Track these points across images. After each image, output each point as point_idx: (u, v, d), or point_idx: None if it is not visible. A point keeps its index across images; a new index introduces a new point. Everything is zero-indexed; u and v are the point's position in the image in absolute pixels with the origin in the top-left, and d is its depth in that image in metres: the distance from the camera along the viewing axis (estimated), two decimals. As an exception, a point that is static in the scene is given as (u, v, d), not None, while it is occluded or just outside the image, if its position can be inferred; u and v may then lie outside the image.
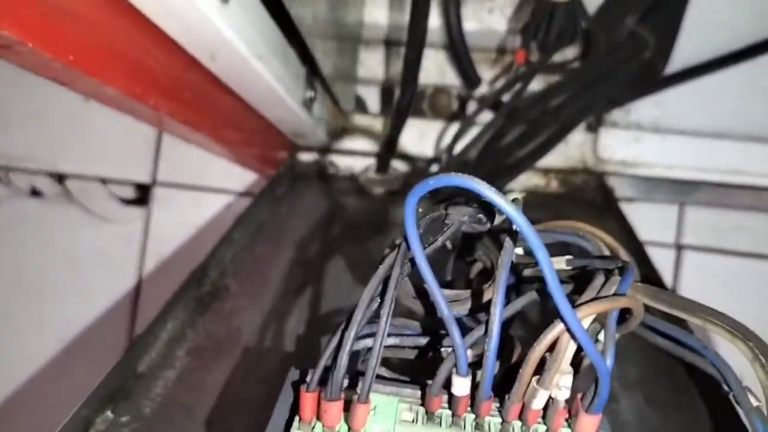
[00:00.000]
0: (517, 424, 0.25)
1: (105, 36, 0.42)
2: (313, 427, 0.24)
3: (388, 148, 0.74)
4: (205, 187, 0.90)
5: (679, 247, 0.85)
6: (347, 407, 0.24)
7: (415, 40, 0.53)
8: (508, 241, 0.25)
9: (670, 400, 0.43)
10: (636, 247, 0.60)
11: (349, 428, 0.24)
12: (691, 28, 0.71)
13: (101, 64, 0.43)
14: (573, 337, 0.22)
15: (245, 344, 0.47)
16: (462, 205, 0.29)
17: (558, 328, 0.23)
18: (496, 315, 0.24)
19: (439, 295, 0.24)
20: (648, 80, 0.73)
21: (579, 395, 0.24)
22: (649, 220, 0.82)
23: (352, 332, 0.24)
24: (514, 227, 0.26)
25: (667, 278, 0.85)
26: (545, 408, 0.25)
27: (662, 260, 0.84)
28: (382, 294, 0.25)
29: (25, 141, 0.91)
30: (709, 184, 0.76)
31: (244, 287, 0.55)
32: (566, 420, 0.25)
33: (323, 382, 0.24)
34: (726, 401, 0.41)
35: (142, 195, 0.90)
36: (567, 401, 0.24)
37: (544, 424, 0.25)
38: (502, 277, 0.24)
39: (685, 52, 0.73)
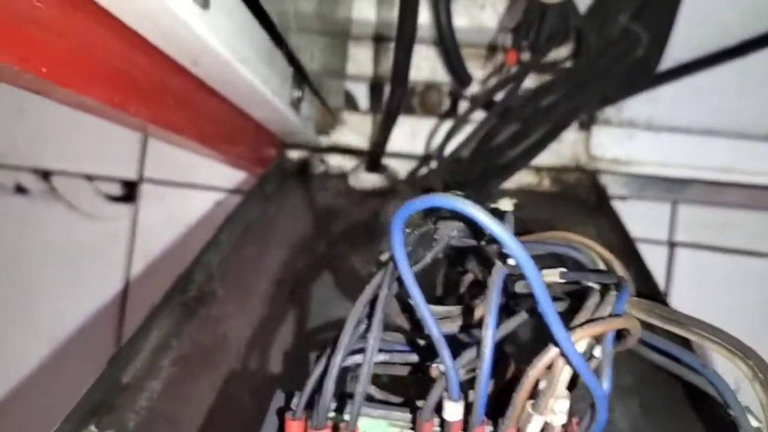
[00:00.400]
0: (511, 450, 0.24)
1: (79, 45, 0.40)
2: (299, 455, 0.23)
3: (378, 146, 0.73)
4: (193, 184, 0.88)
5: (672, 245, 0.85)
6: (334, 432, 0.24)
7: (404, 40, 0.52)
8: (498, 264, 0.24)
9: (665, 408, 0.43)
10: (628, 246, 0.60)
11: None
12: (684, 25, 0.70)
13: (77, 74, 0.41)
14: (568, 362, 0.22)
15: (232, 353, 0.46)
16: (451, 220, 0.28)
17: (552, 352, 0.22)
18: (488, 338, 0.23)
19: (428, 317, 0.23)
20: (641, 77, 0.72)
21: (575, 420, 0.24)
22: (642, 218, 0.82)
23: (338, 358, 0.23)
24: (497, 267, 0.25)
25: (660, 275, 0.84)
26: (540, 432, 0.24)
27: (655, 257, 0.84)
28: (370, 316, 0.24)
29: (9, 137, 0.89)
30: (701, 181, 0.76)
31: (232, 292, 0.54)
32: (561, 445, 0.24)
33: (309, 405, 0.24)
34: (721, 410, 0.41)
35: (129, 192, 0.89)
36: (563, 425, 0.24)
37: (539, 449, 0.24)
38: (493, 299, 0.23)
39: (677, 49, 0.72)
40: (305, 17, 0.59)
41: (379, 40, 0.77)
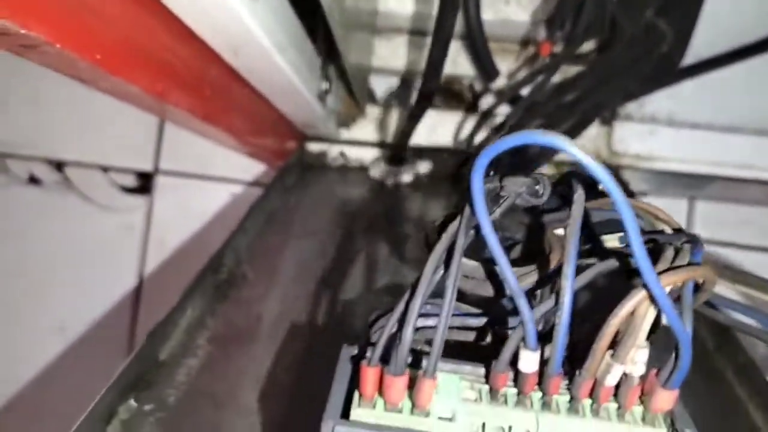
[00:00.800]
0: (587, 402, 0.24)
1: (131, 34, 0.41)
2: (375, 404, 0.23)
3: (402, 139, 0.73)
4: (208, 176, 0.88)
5: (689, 242, 0.85)
6: (410, 384, 0.23)
7: (443, 35, 0.52)
8: (578, 195, 0.24)
9: (702, 387, 0.42)
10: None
11: (413, 405, 0.23)
12: (706, 22, 0.70)
13: (126, 63, 0.42)
14: (656, 304, 0.21)
15: (267, 333, 0.46)
16: (518, 176, 0.28)
17: (638, 296, 0.22)
18: (568, 287, 0.22)
19: (506, 265, 0.23)
20: (664, 73, 0.73)
21: (654, 370, 0.23)
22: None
23: (417, 303, 0.23)
24: (577, 195, 0.25)
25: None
26: (617, 385, 0.24)
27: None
28: (447, 263, 0.24)
29: (24, 127, 0.89)
30: (720, 178, 0.76)
31: (261, 276, 0.53)
32: (639, 398, 0.24)
33: (383, 359, 0.23)
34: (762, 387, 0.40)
35: (144, 183, 0.88)
36: (641, 377, 0.23)
37: (616, 402, 0.24)
38: (573, 244, 0.23)
39: (699, 45, 0.72)
40: (348, 8, 0.59)
41: (402, 33, 0.77)
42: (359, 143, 0.78)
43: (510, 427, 0.23)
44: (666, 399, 0.23)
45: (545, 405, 0.24)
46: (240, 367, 0.42)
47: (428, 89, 0.60)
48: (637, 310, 0.22)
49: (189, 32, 0.44)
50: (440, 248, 0.24)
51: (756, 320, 0.27)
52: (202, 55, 0.48)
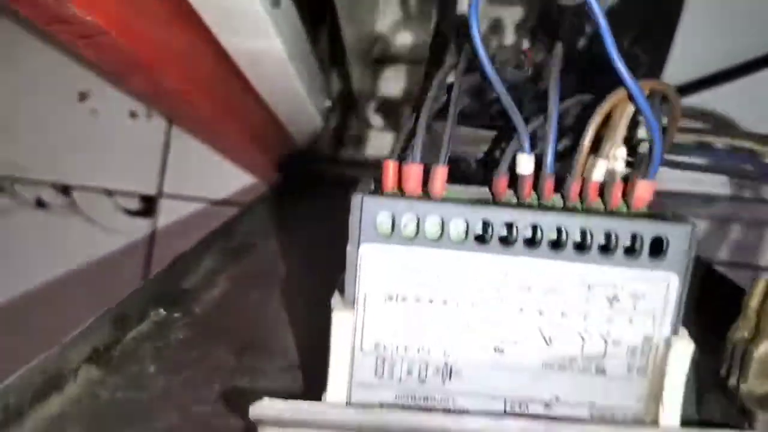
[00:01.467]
0: (578, 203, 0.27)
1: (167, 33, 0.46)
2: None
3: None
4: (212, 200, 0.91)
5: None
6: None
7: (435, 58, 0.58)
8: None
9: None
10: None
11: (429, 197, 0.26)
12: (679, 50, 0.77)
13: (162, 60, 0.46)
14: (634, 100, 0.25)
15: (285, 278, 0.47)
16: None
17: (618, 94, 0.26)
18: (554, 96, 0.27)
19: (497, 79, 0.27)
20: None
21: (635, 174, 0.27)
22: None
23: (428, 104, 0.27)
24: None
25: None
26: (602, 188, 0.27)
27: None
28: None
29: (31, 151, 0.93)
30: (697, 195, 0.81)
31: (272, 247, 0.55)
32: (623, 198, 0.27)
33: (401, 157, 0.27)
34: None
35: (148, 207, 0.92)
36: (623, 179, 0.27)
37: (603, 203, 0.27)
38: (558, 59, 0.27)
39: (673, 72, 0.78)
40: (359, 36, 0.64)
41: (402, 61, 0.84)
42: (358, 163, 0.83)
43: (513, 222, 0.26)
44: (645, 188, 0.26)
45: (541, 206, 0.27)
46: (262, 299, 0.43)
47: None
48: (614, 111, 0.26)
49: (212, 37, 0.49)
50: (444, 69, 0.28)
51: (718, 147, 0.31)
52: (223, 61, 0.53)
